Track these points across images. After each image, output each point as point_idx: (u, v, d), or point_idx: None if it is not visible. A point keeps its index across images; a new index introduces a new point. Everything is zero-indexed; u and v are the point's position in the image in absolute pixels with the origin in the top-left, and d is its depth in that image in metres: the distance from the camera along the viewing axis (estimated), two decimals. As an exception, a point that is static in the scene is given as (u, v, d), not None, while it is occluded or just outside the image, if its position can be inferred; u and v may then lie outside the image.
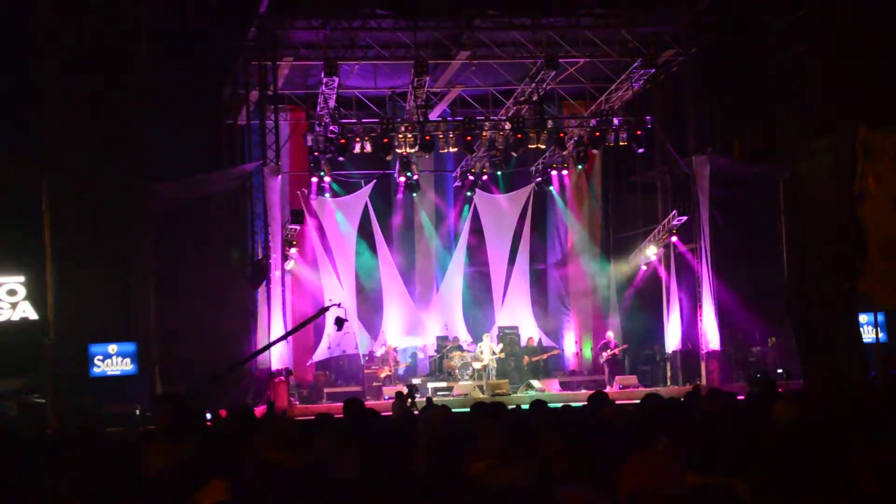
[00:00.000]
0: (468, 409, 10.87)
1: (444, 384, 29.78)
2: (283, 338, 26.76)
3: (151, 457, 7.59)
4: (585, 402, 10.72)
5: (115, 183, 25.26)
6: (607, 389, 28.51)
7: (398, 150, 29.96)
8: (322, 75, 27.94)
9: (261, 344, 27.16)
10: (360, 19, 28.47)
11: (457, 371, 30.17)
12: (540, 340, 33.16)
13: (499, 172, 33.70)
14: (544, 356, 32.73)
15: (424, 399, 23.87)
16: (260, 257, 28.30)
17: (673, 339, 31.27)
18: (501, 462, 6.52)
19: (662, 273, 32.12)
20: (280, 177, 28.98)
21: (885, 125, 20.88)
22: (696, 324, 30.48)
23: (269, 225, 28.11)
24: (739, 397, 12.44)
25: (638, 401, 10.21)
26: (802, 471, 6.08)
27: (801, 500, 5.64)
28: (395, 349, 31.21)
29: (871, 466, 6.01)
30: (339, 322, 25.22)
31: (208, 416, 13.32)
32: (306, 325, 28.21)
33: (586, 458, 6.70)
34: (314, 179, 31.52)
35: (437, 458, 6.77)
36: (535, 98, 30.39)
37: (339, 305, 25.85)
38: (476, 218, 34.51)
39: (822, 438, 7.32)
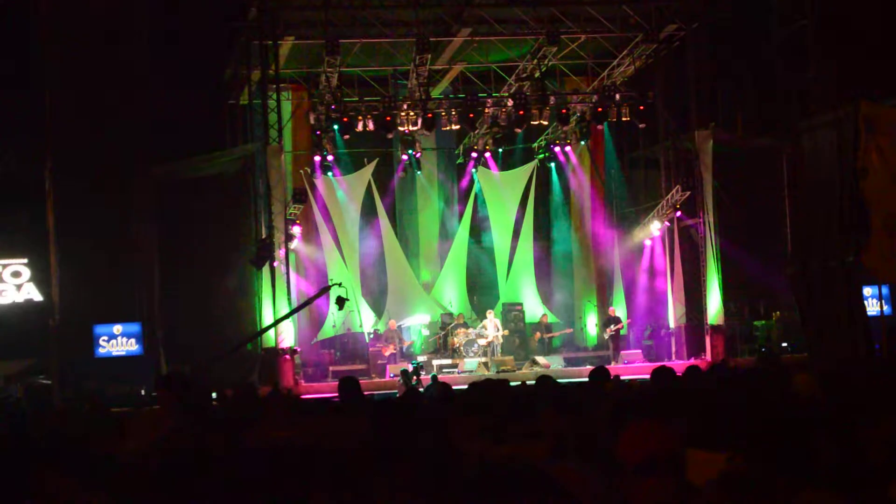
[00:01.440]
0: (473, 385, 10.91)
1: (449, 361, 29.82)
2: (285, 318, 26.82)
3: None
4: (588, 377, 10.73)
5: (118, 164, 25.31)
6: (612, 365, 28.59)
7: (400, 128, 29.92)
8: (324, 54, 27.92)
9: (265, 323, 27.22)
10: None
11: (461, 348, 30.22)
12: (547, 317, 33.22)
13: (501, 149, 33.63)
14: (555, 333, 32.79)
15: (429, 377, 23.94)
16: (263, 237, 28.32)
17: (677, 313, 31.27)
18: (502, 438, 6.56)
19: (666, 248, 32.10)
20: (282, 156, 28.96)
21: (888, 98, 20.88)
22: (700, 298, 30.48)
23: (272, 204, 28.09)
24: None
25: (641, 376, 10.23)
26: (811, 445, 6.09)
27: (808, 476, 5.66)
28: (399, 327, 31.22)
29: (879, 440, 6.03)
30: (340, 301, 25.29)
31: (213, 395, 13.35)
32: (308, 305, 28.24)
33: (587, 434, 6.72)
34: (317, 158, 31.48)
35: (440, 434, 6.80)
36: (536, 74, 30.33)
37: (339, 285, 25.90)
38: (479, 195, 34.48)
39: (832, 413, 7.33)
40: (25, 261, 26.92)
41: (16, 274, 26.86)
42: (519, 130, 31.44)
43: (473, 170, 34.06)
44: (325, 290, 27.79)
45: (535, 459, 5.86)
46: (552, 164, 34.80)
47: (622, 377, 16.07)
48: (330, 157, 31.64)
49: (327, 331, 31.71)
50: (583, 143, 33.14)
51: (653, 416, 7.00)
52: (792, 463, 5.75)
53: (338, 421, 8.18)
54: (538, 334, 32.06)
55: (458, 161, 35.06)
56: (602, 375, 10.66)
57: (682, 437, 5.82)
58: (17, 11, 25.98)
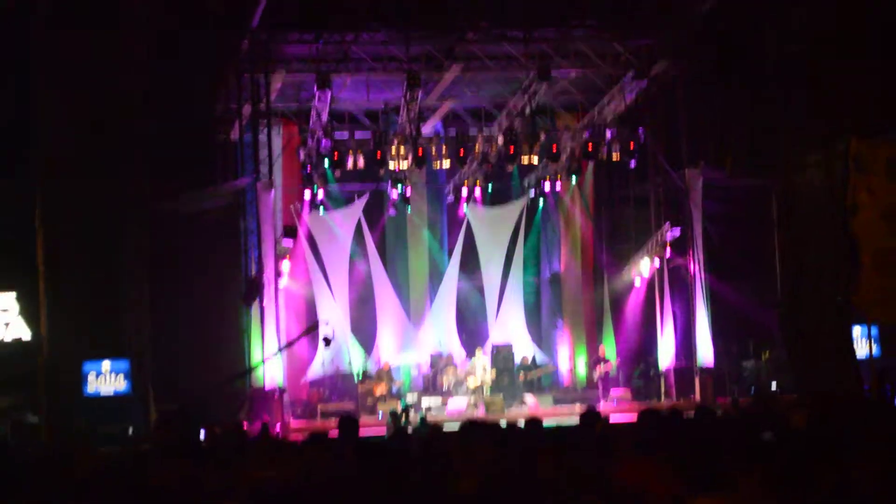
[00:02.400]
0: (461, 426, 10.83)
1: (438, 401, 29.65)
2: (273, 355, 26.73)
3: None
4: (578, 419, 10.65)
5: (108, 199, 25.21)
6: (601, 405, 28.55)
7: (391, 165, 29.88)
8: (315, 89, 27.96)
9: (254, 361, 27.11)
10: (352, 33, 28.42)
11: (451, 387, 30.08)
12: (534, 357, 33.12)
13: (490, 184, 33.60)
14: (539, 372, 32.66)
15: (418, 417, 23.83)
16: (253, 274, 28.24)
17: (667, 353, 31.14)
18: (493, 480, 6.50)
19: (656, 287, 32.02)
20: (273, 192, 28.90)
21: (876, 136, 20.94)
22: (690, 338, 30.37)
23: (262, 241, 28.03)
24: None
25: (629, 415, 10.17)
26: (803, 482, 6.06)
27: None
28: (389, 366, 31.08)
29: (870, 479, 6.01)
30: (327, 340, 25.27)
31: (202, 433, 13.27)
32: (296, 343, 28.13)
33: (579, 475, 6.67)
34: (307, 194, 31.46)
35: (429, 475, 6.74)
36: (527, 111, 30.38)
37: (326, 323, 25.87)
38: (469, 232, 34.37)
39: (826, 449, 7.30)
40: (13, 295, 26.79)
41: (4, 310, 26.73)
42: (510, 167, 31.50)
43: (465, 205, 34.00)
44: (312, 327, 27.72)
45: (528, 496, 5.82)
46: (542, 201, 34.78)
47: (611, 416, 16.03)
48: (320, 193, 31.62)
49: (316, 369, 31.54)
50: (573, 179, 33.19)
51: (645, 454, 6.97)
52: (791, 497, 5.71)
53: (326, 460, 8.11)
54: (522, 374, 31.91)
55: (449, 197, 35.04)
56: (593, 418, 10.59)
57: (676, 476, 5.78)
58: (11, 46, 25.94)
